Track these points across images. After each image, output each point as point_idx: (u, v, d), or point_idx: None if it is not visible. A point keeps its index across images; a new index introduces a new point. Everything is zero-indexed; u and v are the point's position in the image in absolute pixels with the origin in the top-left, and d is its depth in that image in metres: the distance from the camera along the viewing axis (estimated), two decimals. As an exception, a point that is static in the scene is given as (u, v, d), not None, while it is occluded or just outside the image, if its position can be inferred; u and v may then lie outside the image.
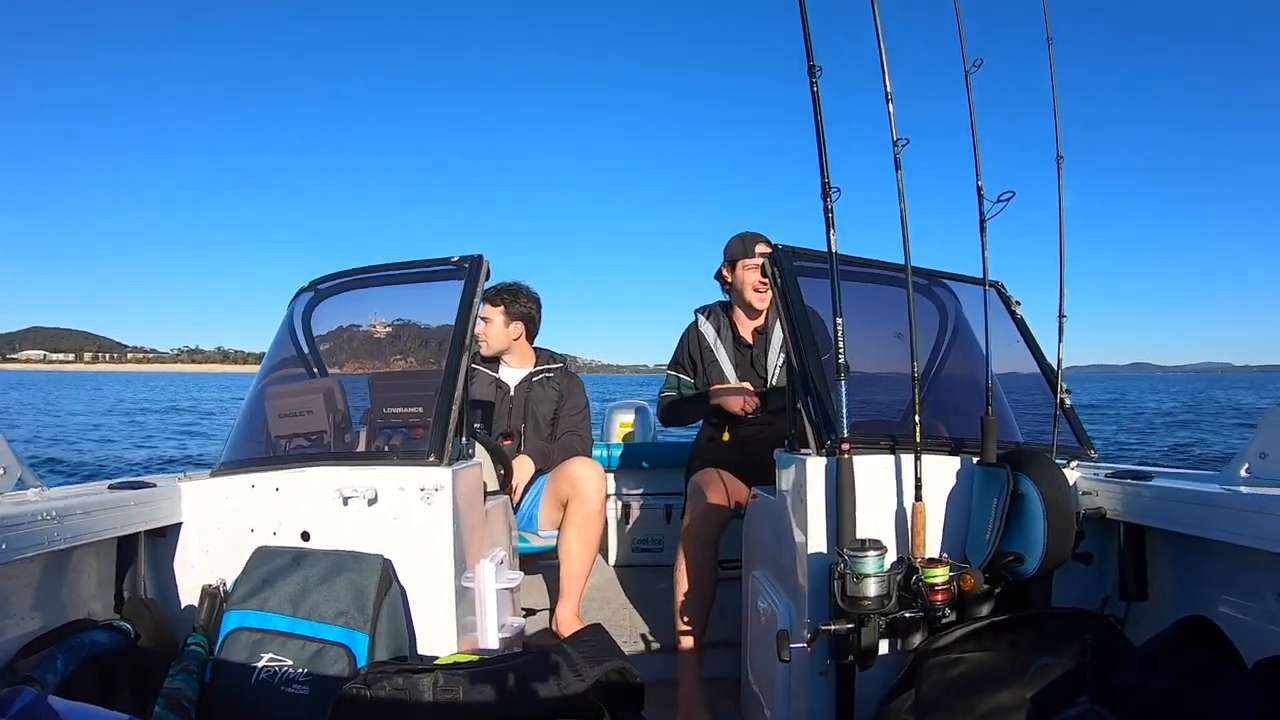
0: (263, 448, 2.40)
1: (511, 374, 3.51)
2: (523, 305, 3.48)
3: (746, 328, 3.10)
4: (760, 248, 2.94)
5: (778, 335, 3.01)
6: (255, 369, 2.62)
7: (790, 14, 1.78)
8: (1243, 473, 1.79)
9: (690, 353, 3.16)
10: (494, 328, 3.43)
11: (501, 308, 3.43)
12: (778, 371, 2.99)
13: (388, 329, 2.72)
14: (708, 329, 3.12)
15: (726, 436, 2.96)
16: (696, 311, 3.21)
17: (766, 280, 2.82)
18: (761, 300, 3.01)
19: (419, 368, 2.71)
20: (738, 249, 3.03)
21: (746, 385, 2.96)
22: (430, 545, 2.04)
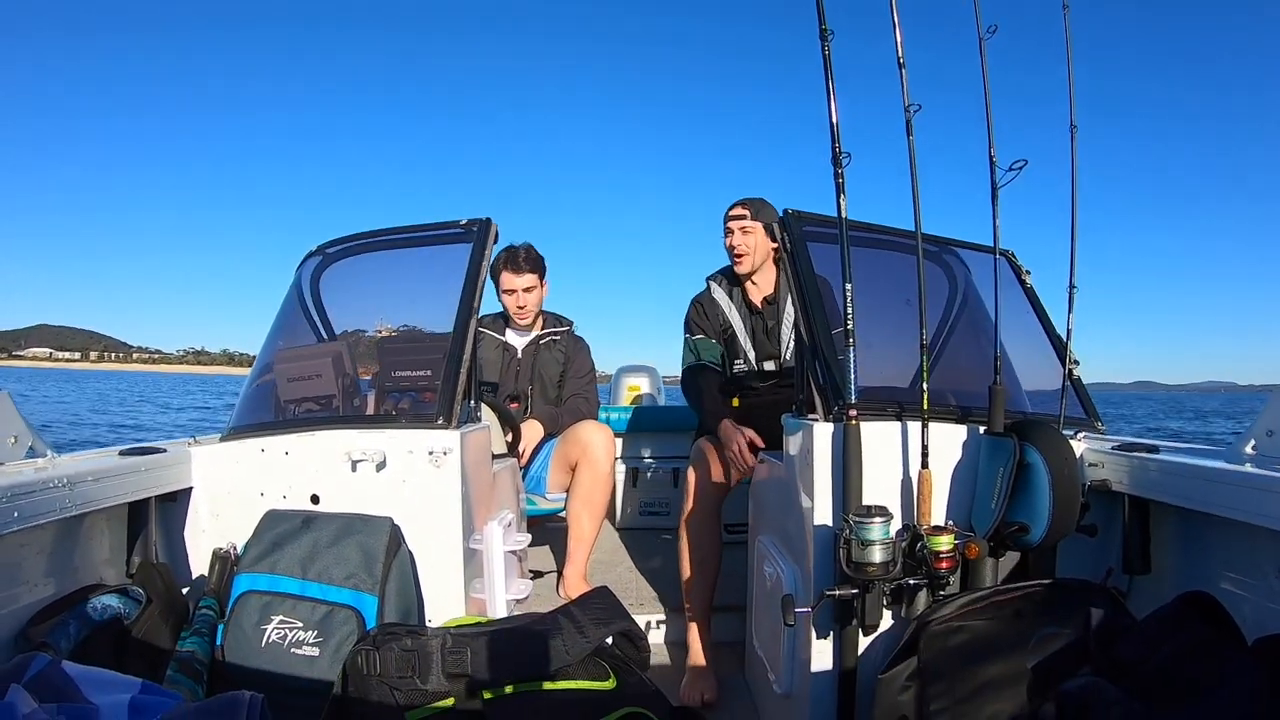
0: (272, 412, 2.40)
1: (518, 337, 3.49)
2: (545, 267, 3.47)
3: (757, 295, 2.99)
4: (733, 210, 2.93)
5: (790, 307, 2.92)
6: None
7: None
8: (1249, 449, 1.78)
9: (706, 314, 3.02)
10: (535, 295, 3.41)
11: (538, 274, 3.40)
12: (791, 344, 2.90)
13: (393, 333, 2.72)
14: (720, 295, 3.02)
15: (735, 402, 2.93)
16: (708, 278, 3.09)
17: (737, 246, 2.88)
18: (737, 265, 2.94)
19: (427, 331, 2.70)
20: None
21: (750, 435, 2.61)
22: (438, 508, 2.05)
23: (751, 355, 2.96)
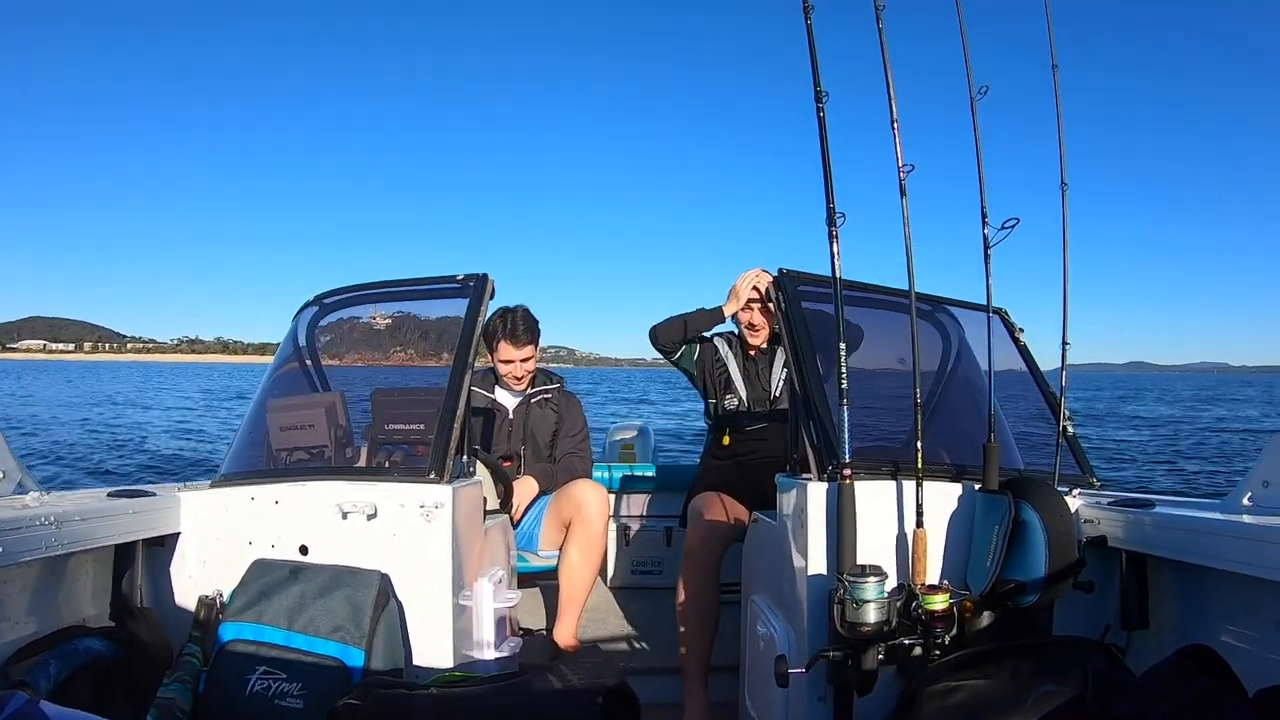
0: (263, 460, 2.39)
1: (509, 396, 3.40)
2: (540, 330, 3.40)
3: (753, 346, 3.09)
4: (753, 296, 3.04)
5: (781, 352, 3.02)
6: (254, 360, 2.62)
7: (799, 39, 1.81)
8: (1245, 501, 1.78)
9: (704, 348, 3.14)
10: (532, 363, 3.34)
11: (535, 342, 3.33)
12: (780, 385, 3.01)
13: (387, 321, 2.71)
14: (720, 343, 3.14)
15: (727, 440, 2.97)
16: (716, 335, 3.20)
17: (756, 325, 2.99)
18: (753, 337, 3.05)
19: (421, 385, 2.70)
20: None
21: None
22: (429, 563, 2.03)
23: (744, 394, 3.04)
